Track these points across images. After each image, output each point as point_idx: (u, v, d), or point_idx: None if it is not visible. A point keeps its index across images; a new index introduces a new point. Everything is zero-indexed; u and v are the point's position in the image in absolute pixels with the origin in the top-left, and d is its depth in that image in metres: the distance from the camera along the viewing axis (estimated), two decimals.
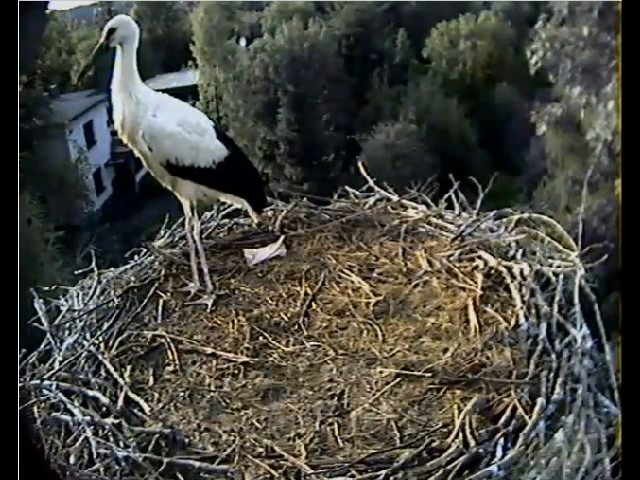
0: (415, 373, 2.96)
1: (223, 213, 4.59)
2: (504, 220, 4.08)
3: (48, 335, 3.51)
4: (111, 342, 3.42)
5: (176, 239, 4.38)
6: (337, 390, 2.95)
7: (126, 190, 27.94)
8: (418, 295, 3.58)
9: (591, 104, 10.06)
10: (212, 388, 3.06)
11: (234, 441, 2.69)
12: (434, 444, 2.53)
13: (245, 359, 3.19)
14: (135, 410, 2.94)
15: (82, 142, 25.28)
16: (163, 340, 3.41)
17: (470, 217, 4.13)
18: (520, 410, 2.62)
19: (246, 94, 24.66)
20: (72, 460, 2.68)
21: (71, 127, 24.22)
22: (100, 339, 3.44)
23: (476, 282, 3.52)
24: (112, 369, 3.18)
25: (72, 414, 2.84)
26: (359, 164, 5.10)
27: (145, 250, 4.25)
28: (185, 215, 3.89)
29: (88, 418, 2.79)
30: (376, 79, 26.13)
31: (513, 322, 3.18)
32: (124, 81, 3.50)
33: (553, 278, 3.43)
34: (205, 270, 3.81)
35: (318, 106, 24.55)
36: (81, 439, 2.73)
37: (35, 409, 2.95)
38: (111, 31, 3.45)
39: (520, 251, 3.74)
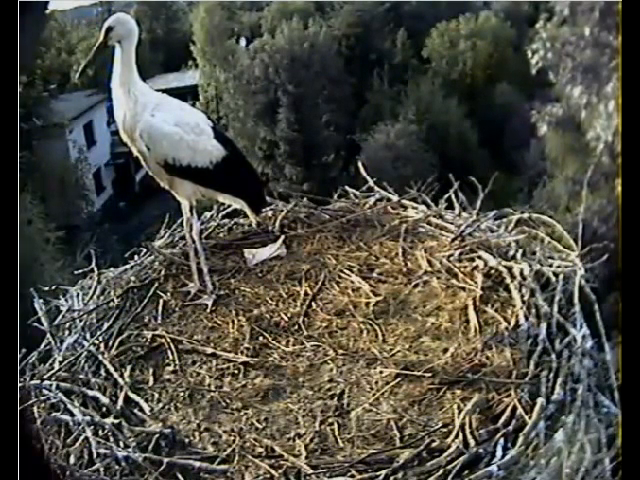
0: (415, 373, 2.96)
1: (223, 213, 4.59)
2: (504, 220, 4.08)
3: (48, 335, 3.51)
4: (111, 342, 3.43)
5: (176, 239, 4.38)
6: (337, 390, 2.95)
7: (126, 190, 27.95)
8: (418, 295, 3.58)
9: (592, 104, 10.05)
10: (212, 388, 3.06)
11: (234, 441, 2.69)
12: (434, 444, 2.53)
13: (245, 359, 3.20)
14: (135, 410, 2.95)
15: (82, 142, 25.27)
16: (163, 340, 3.41)
17: (470, 217, 4.12)
18: (520, 410, 2.61)
19: (246, 94, 24.63)
20: (72, 460, 2.69)
21: (71, 127, 24.20)
22: (100, 339, 3.44)
23: (476, 282, 3.52)
24: (112, 369, 3.18)
25: (72, 414, 2.85)
26: (359, 164, 5.11)
27: (145, 250, 4.25)
28: (184, 215, 3.89)
29: (88, 418, 2.79)
30: (376, 79, 26.08)
31: (513, 322, 3.18)
32: (123, 79, 3.49)
33: (553, 278, 3.43)
34: (205, 270, 3.81)
35: (318, 106, 24.53)
36: (81, 439, 2.74)
37: (35, 409, 2.95)
38: (109, 29, 3.44)
39: (520, 251, 3.74)
